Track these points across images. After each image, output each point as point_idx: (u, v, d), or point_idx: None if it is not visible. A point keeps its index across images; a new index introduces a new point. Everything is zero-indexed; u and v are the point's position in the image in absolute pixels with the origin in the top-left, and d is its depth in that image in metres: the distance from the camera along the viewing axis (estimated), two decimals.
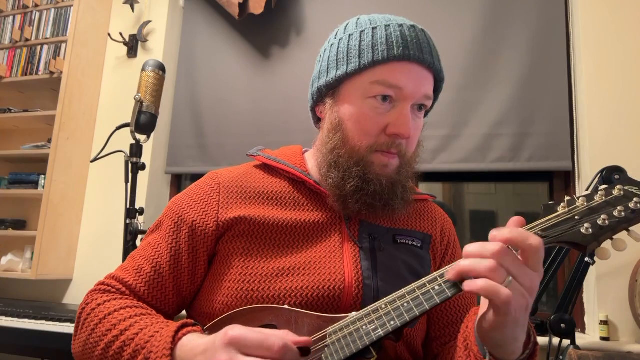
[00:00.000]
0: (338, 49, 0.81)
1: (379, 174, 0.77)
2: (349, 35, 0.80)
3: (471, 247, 0.56)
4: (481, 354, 0.62)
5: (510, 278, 0.54)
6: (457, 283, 0.58)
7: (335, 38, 0.83)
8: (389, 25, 0.78)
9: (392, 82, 0.75)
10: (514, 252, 0.55)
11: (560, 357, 1.52)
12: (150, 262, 0.78)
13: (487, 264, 0.54)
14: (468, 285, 0.55)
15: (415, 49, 0.76)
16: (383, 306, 0.61)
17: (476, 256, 0.55)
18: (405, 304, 0.60)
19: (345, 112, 0.79)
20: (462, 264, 0.56)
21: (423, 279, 0.61)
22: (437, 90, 0.84)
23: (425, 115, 0.86)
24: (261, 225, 0.78)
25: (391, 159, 0.78)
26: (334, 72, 0.80)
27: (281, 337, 0.55)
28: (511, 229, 0.56)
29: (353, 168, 0.77)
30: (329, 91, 0.82)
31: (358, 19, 0.83)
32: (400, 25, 0.78)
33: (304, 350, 0.57)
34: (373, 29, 0.78)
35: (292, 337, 0.56)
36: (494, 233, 0.56)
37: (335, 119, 0.80)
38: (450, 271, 0.58)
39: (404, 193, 0.80)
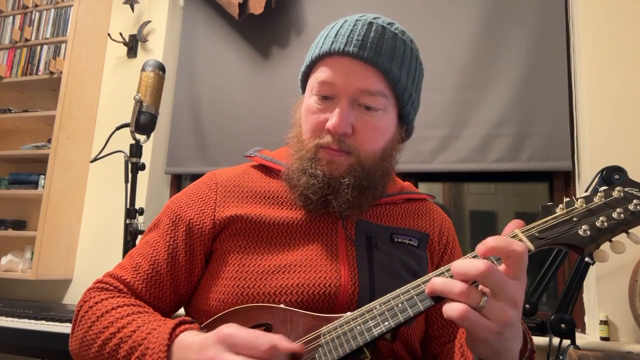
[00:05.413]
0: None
1: (325, 169, 0.76)
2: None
3: (457, 265, 0.54)
4: None
5: (485, 298, 0.52)
6: None
7: None
8: (346, 21, 0.79)
9: (322, 77, 0.76)
10: (498, 267, 0.53)
11: (560, 357, 1.52)
12: (148, 260, 0.78)
13: (458, 289, 0.52)
14: (446, 312, 0.53)
15: (354, 45, 0.74)
16: (377, 306, 0.61)
17: (461, 276, 0.53)
18: (399, 305, 0.59)
19: (302, 109, 0.83)
20: (436, 283, 0.55)
21: (418, 279, 0.61)
22: (401, 91, 0.78)
23: (407, 117, 0.82)
24: (258, 224, 0.78)
25: (335, 155, 0.76)
26: (301, 69, 0.85)
27: (271, 338, 0.55)
28: (496, 238, 0.53)
29: (304, 163, 0.78)
30: (302, 89, 0.87)
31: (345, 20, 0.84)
32: (358, 21, 0.78)
33: (295, 356, 0.57)
34: (332, 26, 0.80)
35: (285, 342, 0.56)
36: (479, 247, 0.54)
37: (298, 115, 0.84)
38: (427, 287, 0.57)
39: (360, 195, 0.77)
